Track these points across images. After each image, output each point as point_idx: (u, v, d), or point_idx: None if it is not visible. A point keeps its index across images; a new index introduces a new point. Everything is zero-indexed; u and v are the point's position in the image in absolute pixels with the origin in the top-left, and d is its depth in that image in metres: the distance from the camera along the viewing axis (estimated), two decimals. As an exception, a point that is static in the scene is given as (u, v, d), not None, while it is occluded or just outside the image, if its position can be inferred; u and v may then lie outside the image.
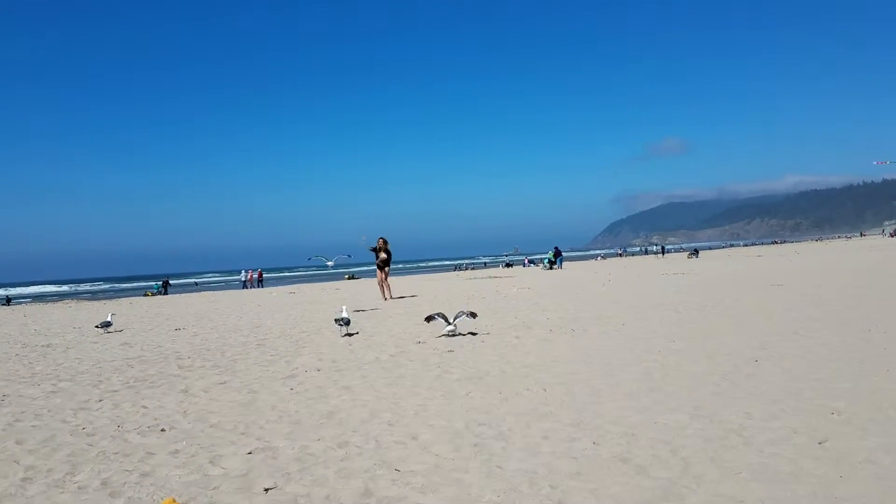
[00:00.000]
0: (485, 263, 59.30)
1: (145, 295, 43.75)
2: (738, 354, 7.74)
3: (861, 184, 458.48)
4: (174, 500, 3.92)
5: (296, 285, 43.39)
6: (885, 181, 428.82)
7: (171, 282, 54.64)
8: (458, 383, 7.09)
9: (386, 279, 19.80)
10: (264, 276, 53.75)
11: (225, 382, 7.78)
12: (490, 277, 35.29)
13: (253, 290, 42.51)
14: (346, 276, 54.75)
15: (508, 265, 62.91)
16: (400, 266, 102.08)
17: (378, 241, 19.51)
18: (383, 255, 19.38)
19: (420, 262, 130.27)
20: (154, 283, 54.97)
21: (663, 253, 50.69)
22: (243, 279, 52.20)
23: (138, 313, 21.19)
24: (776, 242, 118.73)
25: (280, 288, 39.36)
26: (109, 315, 15.71)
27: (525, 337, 10.22)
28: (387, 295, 19.69)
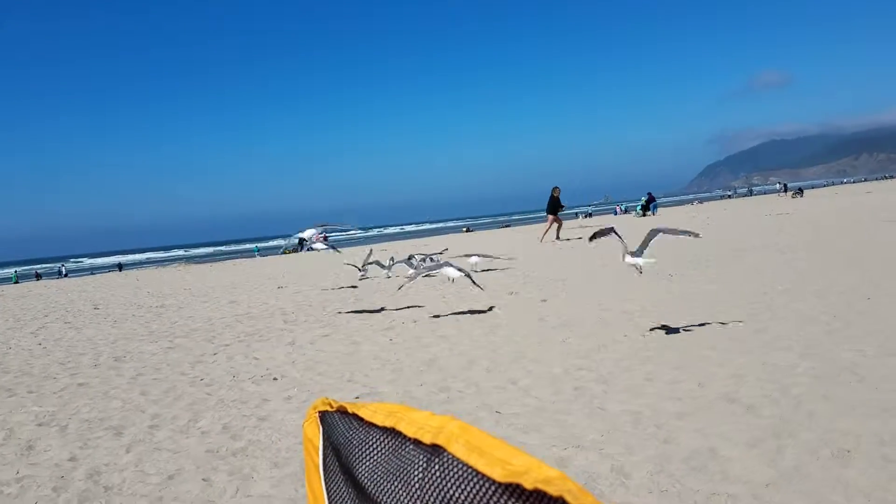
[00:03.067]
0: (578, 213, 58.45)
1: (284, 253, 45.82)
2: (850, 292, 7.36)
3: None
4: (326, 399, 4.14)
5: (386, 244, 44.15)
6: None
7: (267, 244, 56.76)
8: (554, 330, 7.10)
9: (550, 225, 21.43)
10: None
11: (328, 335, 8.09)
12: (582, 228, 34.80)
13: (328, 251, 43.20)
14: (464, 229, 55.77)
15: (588, 215, 62.07)
16: (489, 220, 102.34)
17: (554, 190, 21.22)
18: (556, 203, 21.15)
19: (514, 215, 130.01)
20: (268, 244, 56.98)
21: (786, 190, 47.43)
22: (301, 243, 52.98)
23: (242, 274, 22.20)
24: (886, 178, 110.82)
25: (372, 245, 40.10)
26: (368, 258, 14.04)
27: (624, 282, 10.06)
28: (546, 238, 21.24)
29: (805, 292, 7.68)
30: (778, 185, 57.15)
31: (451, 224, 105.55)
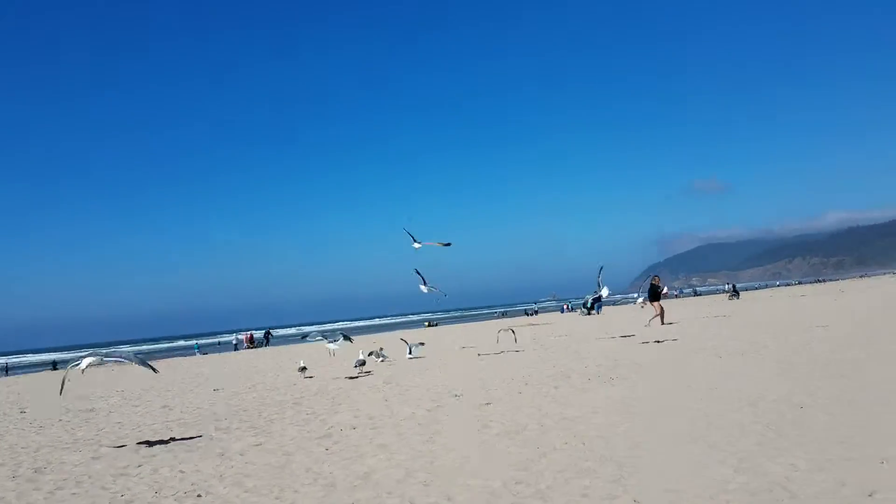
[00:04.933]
0: (503, 313, 59.30)
1: (253, 347, 45.73)
2: (782, 400, 7.50)
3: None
4: None
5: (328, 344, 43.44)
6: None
7: (200, 342, 55.75)
8: (496, 438, 6.98)
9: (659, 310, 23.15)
10: (273, 333, 54.54)
11: (261, 444, 7.78)
12: (528, 325, 35.01)
13: (263, 349, 42.62)
14: (427, 324, 55.96)
15: (534, 313, 63.21)
16: (441, 316, 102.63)
17: (654, 279, 24.11)
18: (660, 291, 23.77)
19: (465, 310, 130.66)
20: (194, 342, 56.06)
21: (735, 291, 49.63)
22: (235, 341, 51.82)
23: (179, 374, 21.44)
24: (819, 281, 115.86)
25: (314, 343, 39.44)
26: (302, 361, 16.77)
27: (563, 387, 10.06)
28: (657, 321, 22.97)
29: (740, 400, 7.78)
30: (726, 285, 59.09)
31: (412, 318, 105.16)
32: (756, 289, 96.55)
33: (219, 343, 64.01)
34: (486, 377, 12.19)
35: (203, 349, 51.26)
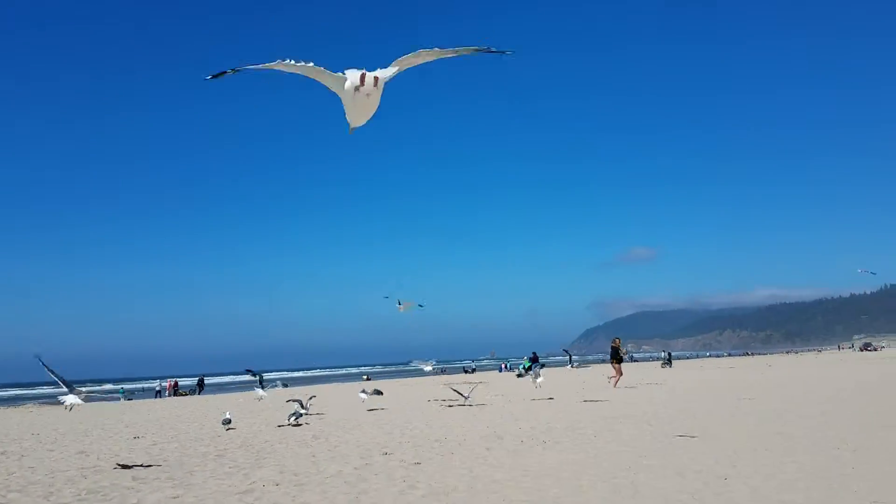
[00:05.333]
0: (443, 370, 59.09)
1: (182, 395, 44.01)
2: (708, 471, 7.60)
3: (830, 298, 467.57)
4: None
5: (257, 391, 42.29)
6: (852, 296, 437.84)
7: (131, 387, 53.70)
8: (422, 500, 6.85)
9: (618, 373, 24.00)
10: (206, 381, 52.69)
11: (178, 497, 7.43)
12: (465, 383, 34.81)
13: (193, 397, 41.16)
14: (364, 377, 55.53)
15: (472, 370, 63.55)
16: (379, 370, 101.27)
17: (614, 341, 24.92)
18: (620, 354, 24.39)
19: (402, 365, 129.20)
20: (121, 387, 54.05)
21: (669, 360, 50.82)
22: (158, 388, 49.64)
23: (100, 419, 20.45)
24: (747, 354, 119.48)
25: (246, 393, 38.34)
26: (228, 413, 15.90)
27: (496, 448, 9.99)
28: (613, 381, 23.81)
29: (667, 469, 7.86)
30: (662, 353, 60.46)
31: (344, 372, 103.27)
32: (687, 358, 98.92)
33: (143, 389, 61.63)
34: (419, 435, 12.02)
35: (128, 394, 49.26)
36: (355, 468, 8.81)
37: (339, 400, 24.01)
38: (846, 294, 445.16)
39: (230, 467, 9.34)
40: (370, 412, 17.79)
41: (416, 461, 9.10)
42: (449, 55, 4.61)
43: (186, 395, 44.58)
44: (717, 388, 22.21)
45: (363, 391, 20.25)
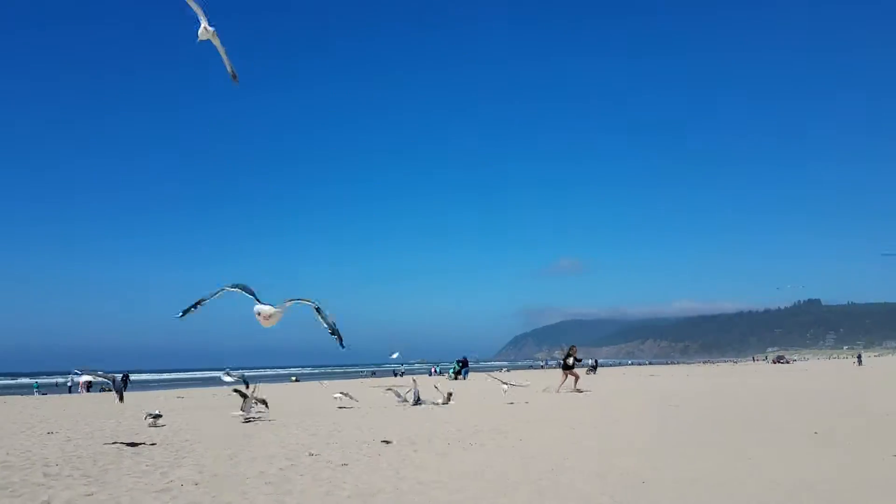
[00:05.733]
0: (373, 372, 58.85)
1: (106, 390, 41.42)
2: (629, 474, 7.82)
3: (747, 312, 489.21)
4: None
5: (188, 389, 41.18)
6: (767, 311, 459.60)
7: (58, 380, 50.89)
8: (347, 501, 6.79)
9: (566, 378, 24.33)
10: (131, 377, 50.36)
11: (92, 494, 7.14)
12: (398, 386, 34.72)
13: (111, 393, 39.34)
14: (293, 378, 54.42)
15: (401, 374, 63.41)
16: (308, 371, 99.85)
17: (571, 349, 24.81)
18: (569, 361, 24.39)
19: (332, 367, 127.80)
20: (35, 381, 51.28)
21: (595, 367, 52.23)
22: (69, 384, 46.35)
23: (11, 414, 19.47)
24: (668, 363, 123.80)
25: (168, 392, 37.26)
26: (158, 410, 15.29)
27: (423, 450, 10.00)
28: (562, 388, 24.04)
29: (589, 471, 8.05)
30: (591, 360, 61.88)
31: (279, 372, 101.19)
32: (611, 365, 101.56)
33: (56, 384, 58.81)
34: (346, 436, 11.92)
35: (43, 389, 46.91)
36: (280, 469, 8.65)
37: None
38: (761, 309, 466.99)
39: (147, 465, 9.03)
40: (296, 414, 17.55)
41: (343, 462, 9.02)
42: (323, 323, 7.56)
43: (110, 390, 42.43)
44: (639, 395, 22.87)
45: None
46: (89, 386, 45.38)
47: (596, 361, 59.21)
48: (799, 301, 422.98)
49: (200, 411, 18.93)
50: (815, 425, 12.03)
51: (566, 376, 24.32)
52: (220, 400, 24.88)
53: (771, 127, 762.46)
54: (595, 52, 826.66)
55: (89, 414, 18.96)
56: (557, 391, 23.75)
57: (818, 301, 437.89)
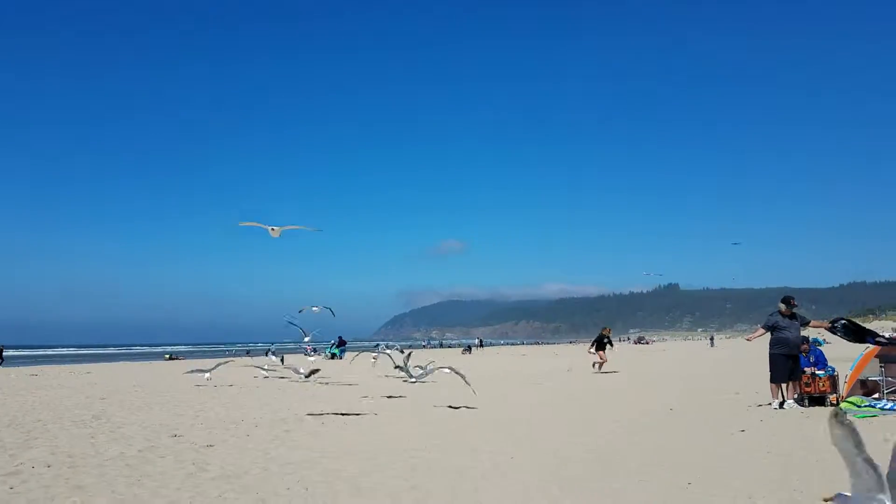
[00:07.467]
0: (248, 352, 57.28)
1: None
2: (498, 451, 8.03)
3: (612, 295, 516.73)
4: None
5: (41, 366, 38.29)
6: (632, 293, 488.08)
7: None
8: (212, 483, 6.54)
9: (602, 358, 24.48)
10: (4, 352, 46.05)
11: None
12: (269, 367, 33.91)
13: None
14: (167, 357, 51.37)
15: (274, 354, 62.07)
16: (184, 348, 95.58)
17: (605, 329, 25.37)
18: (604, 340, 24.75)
19: (202, 345, 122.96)
20: None
21: (478, 346, 53.15)
22: None
23: None
24: (538, 343, 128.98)
25: (21, 369, 34.44)
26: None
27: (295, 430, 9.83)
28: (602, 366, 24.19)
29: (461, 448, 8.21)
30: (477, 339, 63.01)
31: (138, 350, 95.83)
32: (488, 345, 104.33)
33: None
34: (213, 417, 11.51)
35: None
36: (139, 451, 8.22)
37: (126, 381, 22.40)
38: (626, 292, 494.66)
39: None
40: (160, 395, 16.78)
41: (209, 444, 8.69)
42: None
43: None
44: (510, 375, 23.63)
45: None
46: None
47: (481, 341, 60.51)
48: (660, 286, 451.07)
49: (56, 390, 17.66)
50: (671, 403, 12.89)
51: (601, 356, 24.62)
52: (78, 378, 23.35)
53: (653, 104, 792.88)
54: (471, 35, 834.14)
55: None
56: (600, 369, 23.98)
57: (677, 286, 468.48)
